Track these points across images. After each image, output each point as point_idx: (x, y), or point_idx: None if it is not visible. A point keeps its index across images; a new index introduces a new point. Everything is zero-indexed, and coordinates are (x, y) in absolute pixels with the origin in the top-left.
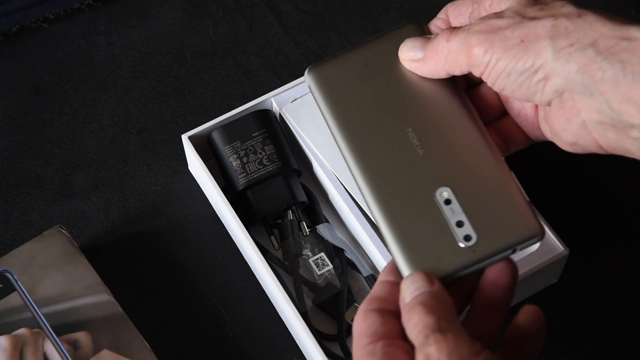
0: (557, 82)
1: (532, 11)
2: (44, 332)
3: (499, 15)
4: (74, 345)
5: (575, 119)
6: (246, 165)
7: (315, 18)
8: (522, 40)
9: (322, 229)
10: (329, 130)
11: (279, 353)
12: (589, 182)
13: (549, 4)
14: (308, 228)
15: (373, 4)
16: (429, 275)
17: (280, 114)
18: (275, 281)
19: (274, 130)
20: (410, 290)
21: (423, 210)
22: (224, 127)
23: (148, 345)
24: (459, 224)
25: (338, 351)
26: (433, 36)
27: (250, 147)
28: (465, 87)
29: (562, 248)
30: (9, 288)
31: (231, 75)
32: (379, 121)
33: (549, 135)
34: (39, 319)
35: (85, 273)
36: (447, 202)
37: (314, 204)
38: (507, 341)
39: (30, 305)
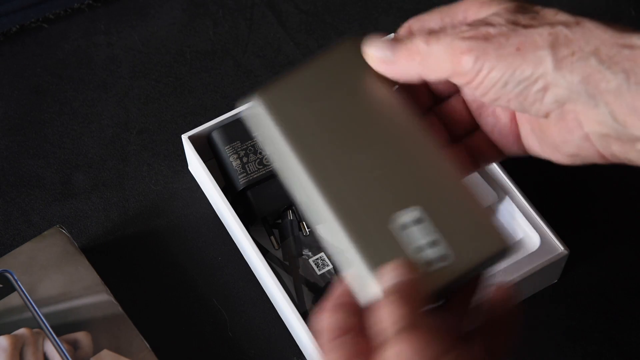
0: (558, 93)
1: (524, 19)
2: (44, 332)
3: (488, 22)
4: (74, 345)
5: (577, 131)
6: (246, 165)
7: (315, 18)
8: (518, 49)
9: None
10: (280, 153)
11: (279, 353)
12: (589, 182)
13: (539, 13)
14: (308, 228)
15: (373, 4)
16: (411, 264)
17: None
18: (275, 281)
19: None
20: (390, 276)
21: (391, 232)
22: (224, 127)
23: (148, 345)
24: (433, 243)
25: None
26: (404, 37)
27: (250, 147)
28: (430, 101)
29: (562, 248)
30: (9, 288)
31: (231, 75)
32: (334, 144)
33: (536, 149)
34: (39, 319)
35: (85, 273)
36: (418, 221)
37: None
38: (479, 329)
39: (30, 305)
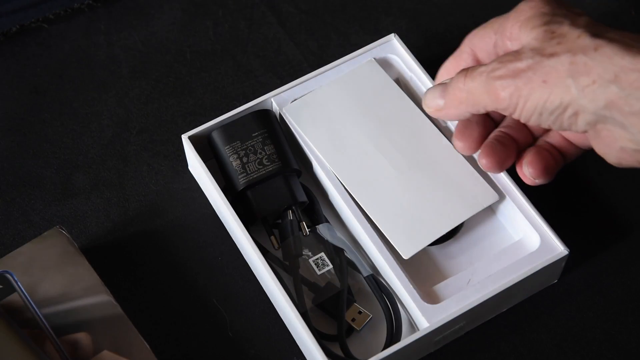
0: (588, 117)
1: (549, 47)
2: (44, 332)
3: (517, 56)
4: (74, 346)
5: (614, 145)
6: (246, 165)
7: (315, 18)
8: (544, 81)
9: (322, 229)
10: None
11: (279, 353)
12: (589, 183)
13: (565, 36)
14: (308, 228)
15: (373, 4)
16: None
17: (280, 114)
18: (275, 281)
19: (274, 130)
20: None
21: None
22: (224, 127)
23: (148, 346)
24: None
25: (338, 351)
26: (449, 80)
27: (250, 147)
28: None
29: (562, 248)
30: (9, 289)
31: (231, 75)
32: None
33: (599, 150)
34: (39, 320)
35: (85, 274)
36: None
37: (314, 204)
38: None
39: (30, 306)
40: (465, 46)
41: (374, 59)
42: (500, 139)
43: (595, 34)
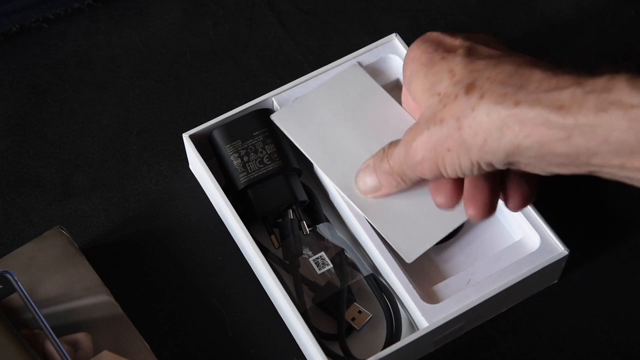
0: (501, 162)
1: (439, 112)
2: (44, 332)
3: (419, 129)
4: (74, 346)
5: (538, 170)
6: (247, 164)
7: (315, 18)
8: (448, 150)
9: (322, 228)
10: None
11: (279, 353)
12: (589, 183)
13: (447, 96)
14: (308, 227)
15: (373, 4)
16: None
17: None
18: (276, 280)
19: (275, 130)
20: None
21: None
22: (225, 126)
23: (148, 346)
24: None
25: (338, 351)
26: (369, 162)
27: (251, 146)
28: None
29: (562, 248)
30: (9, 289)
31: (231, 75)
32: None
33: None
34: (39, 320)
35: (85, 274)
36: None
37: (314, 203)
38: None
39: (30, 306)
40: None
41: (358, 63)
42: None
43: (469, 88)
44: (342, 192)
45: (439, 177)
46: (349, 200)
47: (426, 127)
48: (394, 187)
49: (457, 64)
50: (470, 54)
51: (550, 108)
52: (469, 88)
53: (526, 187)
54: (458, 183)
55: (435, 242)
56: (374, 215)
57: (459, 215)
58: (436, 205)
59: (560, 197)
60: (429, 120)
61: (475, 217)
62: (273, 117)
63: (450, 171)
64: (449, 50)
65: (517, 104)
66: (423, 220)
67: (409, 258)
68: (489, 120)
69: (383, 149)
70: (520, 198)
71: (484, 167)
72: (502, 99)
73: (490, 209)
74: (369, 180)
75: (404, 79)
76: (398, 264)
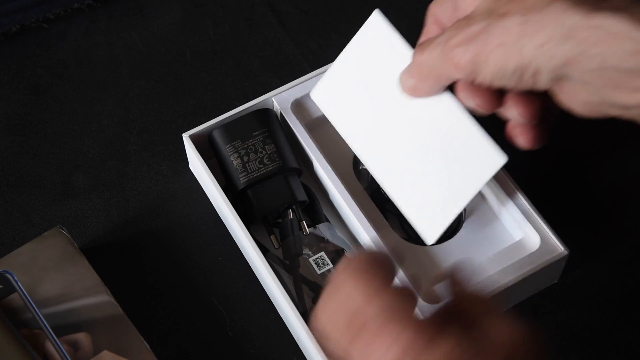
0: (548, 75)
1: (501, 7)
2: (44, 332)
3: (469, 21)
4: (74, 346)
5: (578, 99)
6: (247, 165)
7: (315, 18)
8: (499, 44)
9: (322, 228)
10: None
11: (279, 353)
12: (589, 183)
13: None
14: (308, 227)
15: (373, 4)
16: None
17: (281, 113)
18: (276, 280)
19: (275, 130)
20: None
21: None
22: (225, 126)
23: (148, 346)
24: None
25: None
26: (413, 58)
27: (251, 146)
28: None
29: (562, 248)
30: (9, 289)
31: (231, 75)
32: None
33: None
34: (39, 320)
35: (85, 274)
36: None
37: (314, 203)
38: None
39: (30, 306)
40: (429, 19)
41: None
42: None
43: None
44: (374, 173)
45: (470, 78)
46: (380, 183)
47: (482, 18)
48: (422, 82)
49: None
50: None
51: (631, 19)
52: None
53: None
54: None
55: (452, 218)
56: (400, 196)
57: (470, 185)
58: (472, 107)
59: (560, 197)
60: (485, 13)
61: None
62: (312, 94)
63: (490, 70)
64: None
65: (594, 9)
66: (439, 196)
67: (430, 239)
68: (560, 19)
69: (424, 41)
70: (536, 134)
71: (528, 75)
72: (580, 4)
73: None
74: (408, 76)
75: None
76: (398, 264)
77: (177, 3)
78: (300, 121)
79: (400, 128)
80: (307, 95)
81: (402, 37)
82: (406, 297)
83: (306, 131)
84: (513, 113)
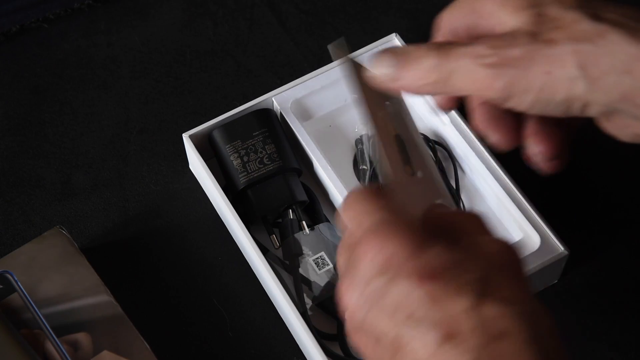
0: (599, 109)
1: (545, 32)
2: (44, 332)
3: (509, 41)
4: (74, 346)
5: (627, 131)
6: (247, 164)
7: (315, 18)
8: (547, 72)
9: (322, 228)
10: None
11: (279, 353)
12: (589, 183)
13: (559, 19)
14: (308, 227)
15: (373, 4)
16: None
17: (281, 113)
18: (275, 280)
19: (275, 130)
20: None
21: None
22: (225, 126)
23: (148, 346)
24: None
25: (338, 351)
26: (406, 48)
27: (250, 146)
28: None
29: (562, 248)
30: (9, 289)
31: (231, 75)
32: None
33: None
34: (39, 320)
35: (85, 274)
36: None
37: (314, 203)
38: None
39: (30, 306)
40: (439, 31)
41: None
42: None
43: (595, 15)
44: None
45: (498, 101)
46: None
47: (524, 42)
48: (421, 82)
49: None
50: None
51: None
52: (595, 16)
53: (564, 136)
54: (517, 117)
55: None
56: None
57: None
58: (492, 142)
59: (560, 197)
60: (527, 36)
61: (503, 143)
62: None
63: (532, 97)
64: None
65: None
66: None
67: None
68: (617, 52)
69: (443, 43)
70: (557, 161)
71: (577, 106)
72: (635, 34)
73: (518, 136)
74: (392, 64)
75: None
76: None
77: (177, 3)
78: (300, 121)
79: None
80: (307, 95)
81: None
82: (394, 216)
83: (306, 131)
84: (534, 150)
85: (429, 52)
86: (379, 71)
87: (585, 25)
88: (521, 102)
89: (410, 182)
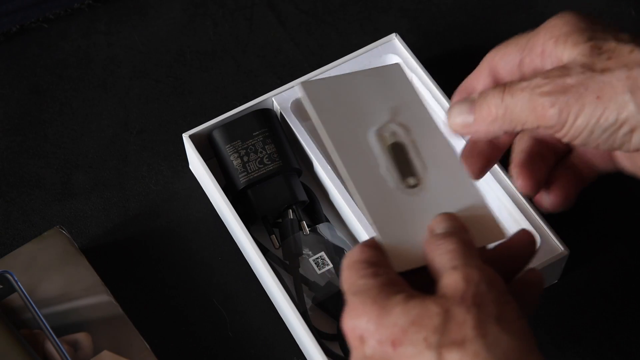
0: None
1: (599, 62)
2: (44, 332)
3: (565, 71)
4: (74, 346)
5: None
6: (247, 165)
7: (315, 18)
8: (598, 97)
9: (322, 228)
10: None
11: (279, 353)
12: (589, 183)
13: (615, 51)
14: (308, 227)
15: (373, 4)
16: (462, 222)
17: (281, 113)
18: (275, 280)
19: (275, 130)
20: (446, 224)
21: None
22: (225, 126)
23: (148, 346)
24: None
25: (338, 351)
26: (478, 96)
27: (251, 146)
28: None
29: (562, 248)
30: (9, 289)
31: (231, 75)
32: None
33: (629, 169)
34: (39, 320)
35: (85, 274)
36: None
37: (314, 203)
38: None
39: (30, 306)
40: (485, 65)
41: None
42: (533, 155)
43: None
44: (351, 181)
45: (550, 130)
46: (357, 193)
47: (578, 71)
48: (489, 123)
49: (624, 35)
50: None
51: None
52: None
53: (574, 188)
54: (546, 168)
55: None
56: (376, 212)
57: None
58: (516, 187)
59: None
60: (582, 67)
61: (527, 189)
62: (303, 84)
63: (580, 123)
64: (615, 29)
65: None
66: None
67: (398, 267)
68: None
69: (505, 83)
70: (565, 197)
71: (622, 132)
72: None
73: (541, 185)
74: (464, 111)
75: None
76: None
77: (177, 3)
78: (300, 121)
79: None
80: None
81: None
82: (366, 286)
83: (306, 131)
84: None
85: (494, 91)
86: (457, 120)
87: (638, 54)
88: (571, 129)
89: (406, 199)
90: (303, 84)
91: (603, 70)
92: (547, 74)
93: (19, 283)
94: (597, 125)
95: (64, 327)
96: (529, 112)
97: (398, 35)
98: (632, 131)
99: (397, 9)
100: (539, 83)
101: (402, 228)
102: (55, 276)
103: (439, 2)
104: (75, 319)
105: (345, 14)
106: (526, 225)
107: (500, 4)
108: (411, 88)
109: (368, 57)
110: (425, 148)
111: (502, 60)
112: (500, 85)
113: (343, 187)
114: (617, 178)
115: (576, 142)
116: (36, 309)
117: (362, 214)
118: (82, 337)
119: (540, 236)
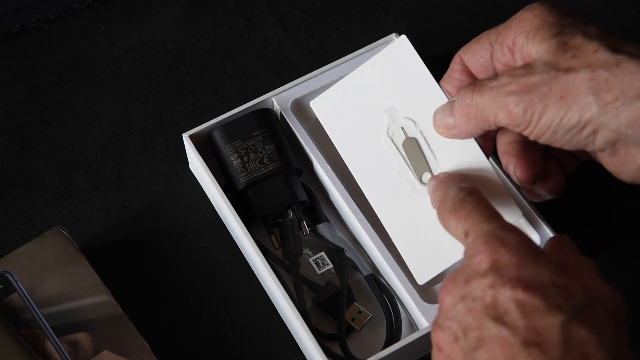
0: (608, 135)
1: (564, 61)
2: (44, 333)
3: (529, 70)
4: (74, 346)
5: (632, 164)
6: (247, 164)
7: (315, 18)
8: (561, 97)
9: (322, 228)
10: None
11: (279, 353)
12: (589, 183)
13: (580, 48)
14: (308, 227)
15: (373, 4)
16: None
17: (281, 113)
18: (275, 280)
19: (275, 130)
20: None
21: None
22: (225, 126)
23: (148, 346)
24: None
25: (338, 351)
26: (455, 98)
27: (251, 146)
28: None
29: None
30: (9, 289)
31: (231, 75)
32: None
33: (610, 168)
34: (39, 320)
35: (85, 274)
36: None
37: (314, 203)
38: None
39: (30, 306)
40: (456, 64)
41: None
42: (526, 146)
43: (613, 47)
44: (370, 201)
45: (518, 127)
46: (375, 208)
47: (543, 70)
48: (465, 123)
49: (593, 30)
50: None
51: None
52: (614, 48)
53: (562, 175)
54: (539, 152)
55: (449, 265)
56: (392, 225)
57: None
58: (517, 180)
59: (560, 197)
60: (546, 65)
61: (526, 179)
62: (312, 104)
63: (545, 122)
64: (584, 22)
65: None
66: (440, 238)
67: (421, 280)
68: (633, 79)
69: (475, 82)
70: (559, 184)
71: (585, 133)
72: None
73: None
74: (446, 114)
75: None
76: (398, 264)
77: (177, 3)
78: (300, 121)
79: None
80: (307, 95)
81: (427, 68)
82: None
83: (306, 131)
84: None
85: (465, 91)
86: (440, 123)
87: (603, 55)
88: (535, 128)
89: (424, 202)
90: (311, 103)
91: (567, 70)
92: (512, 73)
93: (19, 283)
94: (560, 125)
95: (64, 327)
96: (497, 110)
97: (398, 35)
98: (595, 132)
99: (397, 9)
100: (505, 82)
101: (425, 245)
102: (55, 276)
103: (439, 2)
104: (75, 319)
105: (345, 14)
106: (526, 225)
107: (500, 3)
108: (418, 61)
109: (368, 57)
110: (436, 136)
111: (473, 56)
112: (470, 84)
113: (343, 187)
114: (617, 179)
115: (541, 141)
116: (36, 309)
117: (362, 214)
118: (82, 337)
119: (540, 236)
